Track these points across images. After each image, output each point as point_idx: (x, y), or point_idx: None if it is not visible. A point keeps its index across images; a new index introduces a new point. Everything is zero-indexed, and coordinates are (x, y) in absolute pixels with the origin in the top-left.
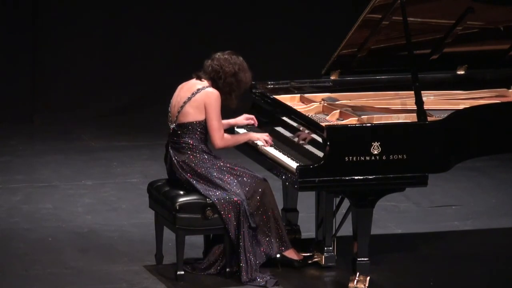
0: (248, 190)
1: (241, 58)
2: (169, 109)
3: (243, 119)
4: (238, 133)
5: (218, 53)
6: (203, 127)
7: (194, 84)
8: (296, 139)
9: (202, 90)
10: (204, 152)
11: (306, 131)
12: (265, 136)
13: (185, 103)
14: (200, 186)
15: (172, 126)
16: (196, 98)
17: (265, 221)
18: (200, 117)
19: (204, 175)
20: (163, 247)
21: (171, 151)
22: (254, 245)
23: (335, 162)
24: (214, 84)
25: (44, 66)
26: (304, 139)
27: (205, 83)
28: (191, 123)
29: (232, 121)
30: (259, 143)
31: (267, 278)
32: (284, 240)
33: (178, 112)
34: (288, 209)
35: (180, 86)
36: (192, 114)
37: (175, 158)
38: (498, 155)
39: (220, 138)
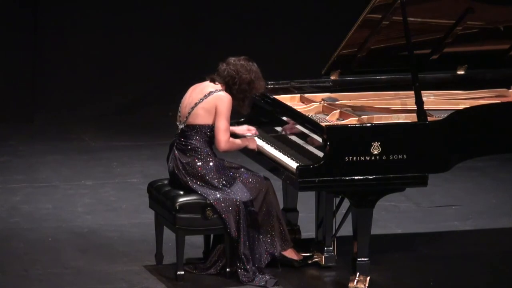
0: (252, 190)
1: (256, 65)
2: (179, 109)
3: (245, 129)
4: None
5: (233, 58)
6: (211, 130)
7: (206, 86)
8: (283, 132)
9: (215, 93)
10: (208, 155)
11: (292, 122)
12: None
13: (196, 104)
14: (200, 189)
15: (181, 126)
16: (208, 100)
17: (268, 220)
18: (209, 120)
19: (206, 178)
20: (163, 247)
21: (176, 152)
22: (257, 245)
23: (335, 162)
24: (227, 89)
25: (44, 66)
26: (290, 130)
27: (218, 86)
28: (200, 126)
29: (233, 128)
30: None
31: (267, 278)
32: (286, 239)
33: (189, 113)
34: (288, 209)
35: (192, 87)
36: (202, 117)
37: (179, 160)
38: (498, 155)
39: (225, 141)
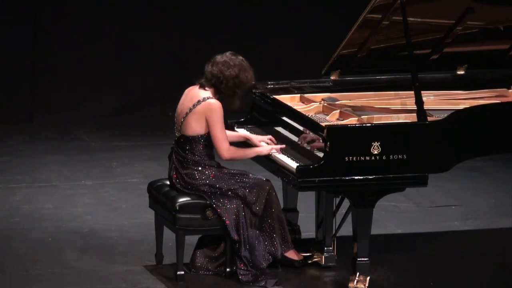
0: (253, 192)
1: (240, 58)
2: (176, 115)
3: (263, 139)
4: (237, 132)
5: (218, 56)
6: (205, 139)
7: (196, 93)
8: (300, 142)
9: (203, 102)
10: (205, 166)
11: (311, 134)
12: (274, 148)
13: (186, 114)
14: (199, 194)
15: (177, 134)
16: (197, 110)
17: (269, 222)
18: (201, 130)
19: (203, 190)
20: (163, 247)
21: (175, 161)
22: (257, 246)
23: (335, 162)
24: (216, 90)
25: (44, 66)
26: (309, 142)
27: (207, 93)
28: (193, 137)
29: (249, 135)
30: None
31: (267, 278)
32: (286, 240)
33: (182, 122)
34: (288, 209)
35: (186, 91)
36: (193, 128)
37: (178, 170)
38: (498, 155)
39: (226, 150)
